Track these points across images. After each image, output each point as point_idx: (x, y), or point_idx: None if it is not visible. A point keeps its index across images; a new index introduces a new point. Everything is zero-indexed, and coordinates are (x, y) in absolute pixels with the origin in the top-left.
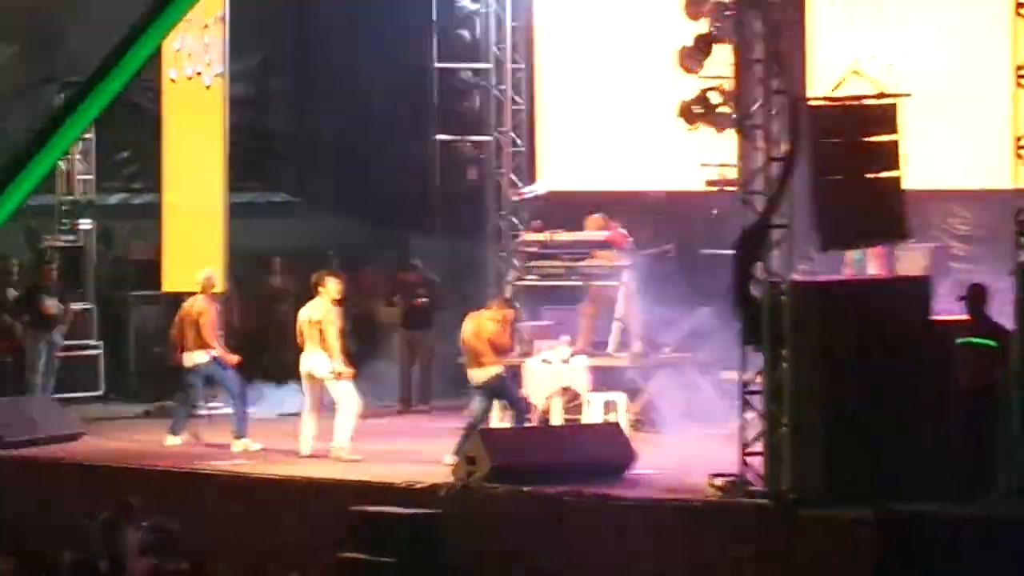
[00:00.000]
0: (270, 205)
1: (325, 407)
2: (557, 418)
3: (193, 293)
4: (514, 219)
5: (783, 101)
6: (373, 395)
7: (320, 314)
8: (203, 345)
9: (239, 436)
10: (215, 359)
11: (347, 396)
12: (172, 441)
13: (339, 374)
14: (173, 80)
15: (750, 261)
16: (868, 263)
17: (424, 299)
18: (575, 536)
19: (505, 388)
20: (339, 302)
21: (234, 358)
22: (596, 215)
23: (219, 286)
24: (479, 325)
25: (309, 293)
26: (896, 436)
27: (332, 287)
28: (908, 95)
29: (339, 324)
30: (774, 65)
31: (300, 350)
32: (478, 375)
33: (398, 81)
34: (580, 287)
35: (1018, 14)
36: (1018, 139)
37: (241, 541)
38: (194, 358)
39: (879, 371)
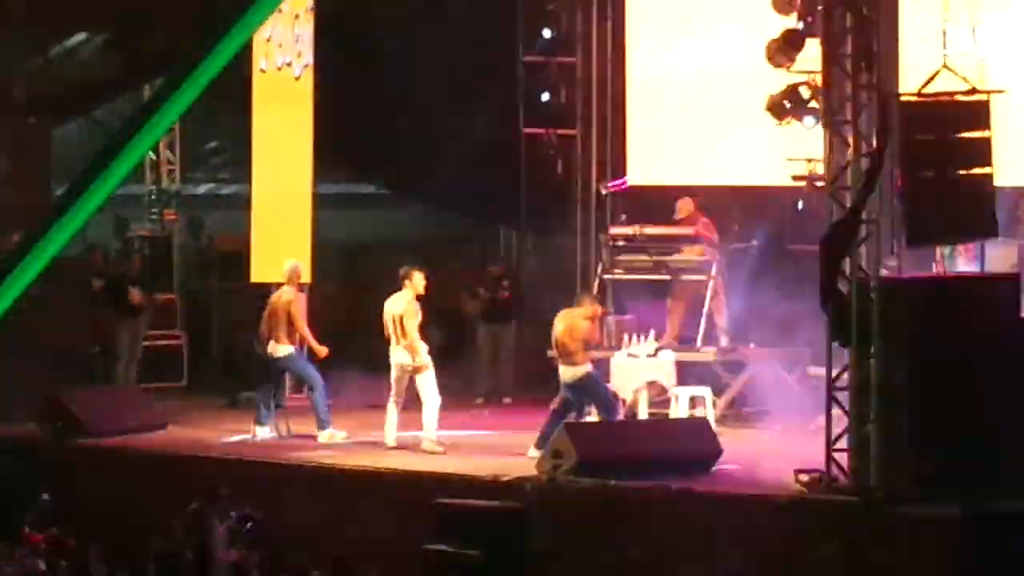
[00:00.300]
0: (358, 196)
1: (412, 399)
2: (643, 412)
3: (279, 284)
4: (600, 213)
5: (872, 96)
6: (457, 388)
7: (402, 307)
8: (290, 336)
9: (323, 427)
10: (300, 350)
11: (430, 389)
12: (258, 432)
13: (417, 368)
14: (263, 70)
15: (838, 257)
16: (958, 260)
17: (508, 292)
18: (661, 531)
19: (594, 386)
20: (423, 296)
21: (323, 350)
22: (687, 198)
23: (305, 277)
24: (572, 323)
25: (396, 285)
26: (984, 434)
27: (418, 281)
28: (1001, 91)
29: (419, 318)
30: (864, 60)
31: (387, 342)
32: (568, 373)
33: (485, 72)
34: (667, 281)
35: None
36: None
37: (324, 533)
38: (280, 349)
39: (967, 368)
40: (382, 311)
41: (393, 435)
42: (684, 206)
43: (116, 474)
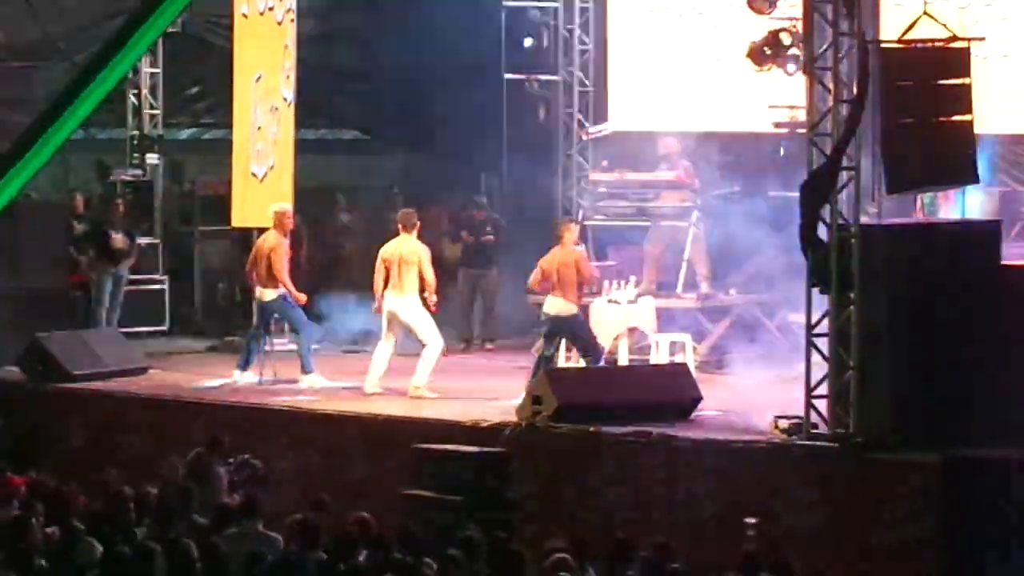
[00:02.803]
0: (339, 142)
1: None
2: (624, 358)
3: (262, 229)
4: (582, 159)
5: (853, 43)
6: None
7: (410, 250)
8: (273, 281)
9: (306, 372)
10: (283, 295)
11: (433, 335)
12: (241, 376)
13: (436, 304)
14: (245, 15)
15: (818, 203)
16: (938, 207)
17: (489, 237)
18: (640, 476)
19: (580, 329)
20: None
21: (302, 297)
22: (671, 137)
23: (291, 222)
24: (568, 253)
25: (378, 230)
26: (963, 380)
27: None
28: (981, 39)
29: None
30: (845, 7)
31: (377, 288)
32: (556, 306)
33: (466, 18)
34: (648, 227)
35: None
36: None
37: (306, 477)
38: (267, 293)
39: (947, 315)
40: (374, 256)
41: (376, 383)
42: (667, 143)
43: (97, 418)
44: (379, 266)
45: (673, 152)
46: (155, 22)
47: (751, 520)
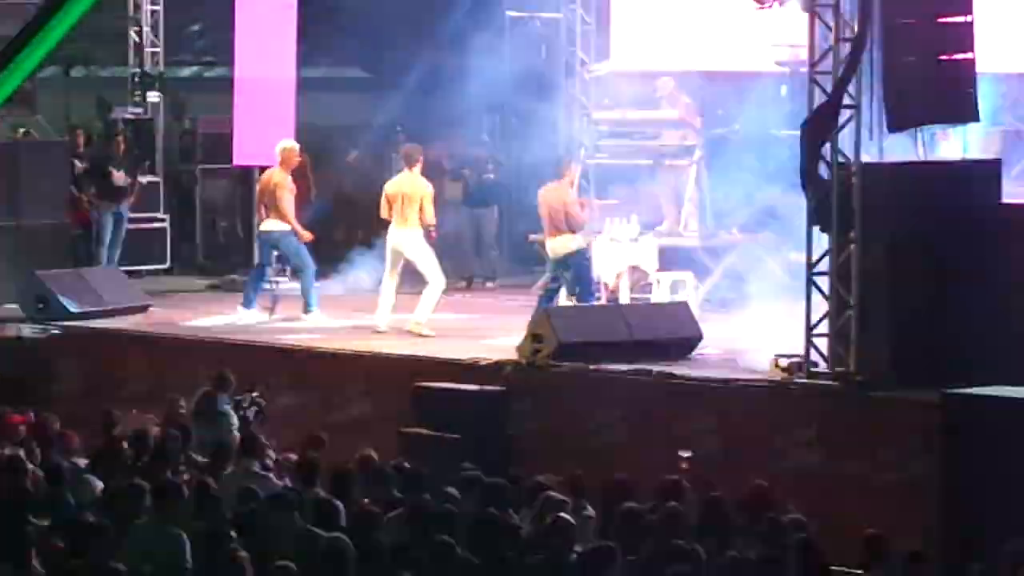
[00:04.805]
0: (341, 80)
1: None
2: (625, 297)
3: (262, 168)
4: (584, 98)
5: None
6: None
7: (412, 187)
8: (279, 217)
9: (309, 310)
10: (288, 231)
11: (435, 272)
12: (244, 314)
13: (434, 234)
14: None
15: (819, 142)
16: (938, 145)
17: (490, 175)
18: (640, 414)
19: (582, 266)
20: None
21: (307, 235)
22: (666, 77)
23: (297, 159)
24: (561, 192)
25: (381, 167)
26: (963, 319)
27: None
28: None
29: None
30: None
31: (381, 224)
32: (558, 246)
33: None
34: (649, 166)
35: None
36: None
37: (306, 415)
38: (269, 226)
39: (947, 254)
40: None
41: (386, 319)
42: (664, 84)
43: (97, 356)
44: (383, 202)
45: (670, 92)
46: None
47: (685, 453)
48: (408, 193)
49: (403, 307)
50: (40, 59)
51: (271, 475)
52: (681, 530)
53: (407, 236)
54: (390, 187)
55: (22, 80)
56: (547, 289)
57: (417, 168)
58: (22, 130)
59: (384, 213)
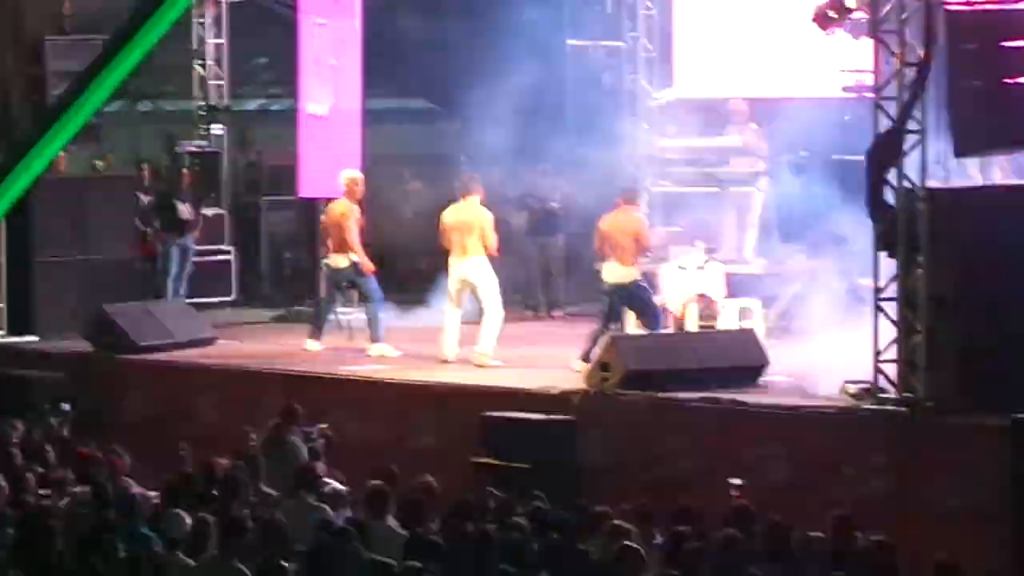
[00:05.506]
0: (406, 112)
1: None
2: (692, 325)
3: (328, 200)
4: (647, 125)
5: (917, 6)
6: (505, 302)
7: (469, 216)
8: (344, 249)
9: (376, 341)
10: (355, 264)
11: (495, 302)
12: (312, 345)
13: (483, 278)
14: None
15: (884, 167)
16: (993, 170)
17: (555, 204)
18: (708, 442)
19: (640, 293)
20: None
21: (371, 265)
22: (739, 99)
23: (362, 190)
24: (625, 219)
25: (446, 198)
26: None
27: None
28: None
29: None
30: None
31: (443, 255)
32: (616, 273)
33: None
34: (716, 194)
35: None
36: None
37: (374, 445)
38: (339, 260)
39: (1014, 278)
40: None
41: (454, 349)
42: (736, 104)
43: (165, 389)
44: (440, 232)
45: (741, 113)
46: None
47: (736, 481)
48: (466, 222)
49: (465, 339)
50: (108, 94)
51: (326, 507)
52: (748, 556)
53: (471, 265)
54: (447, 217)
55: (90, 116)
56: (602, 322)
57: (472, 198)
58: (100, 163)
59: (444, 243)
